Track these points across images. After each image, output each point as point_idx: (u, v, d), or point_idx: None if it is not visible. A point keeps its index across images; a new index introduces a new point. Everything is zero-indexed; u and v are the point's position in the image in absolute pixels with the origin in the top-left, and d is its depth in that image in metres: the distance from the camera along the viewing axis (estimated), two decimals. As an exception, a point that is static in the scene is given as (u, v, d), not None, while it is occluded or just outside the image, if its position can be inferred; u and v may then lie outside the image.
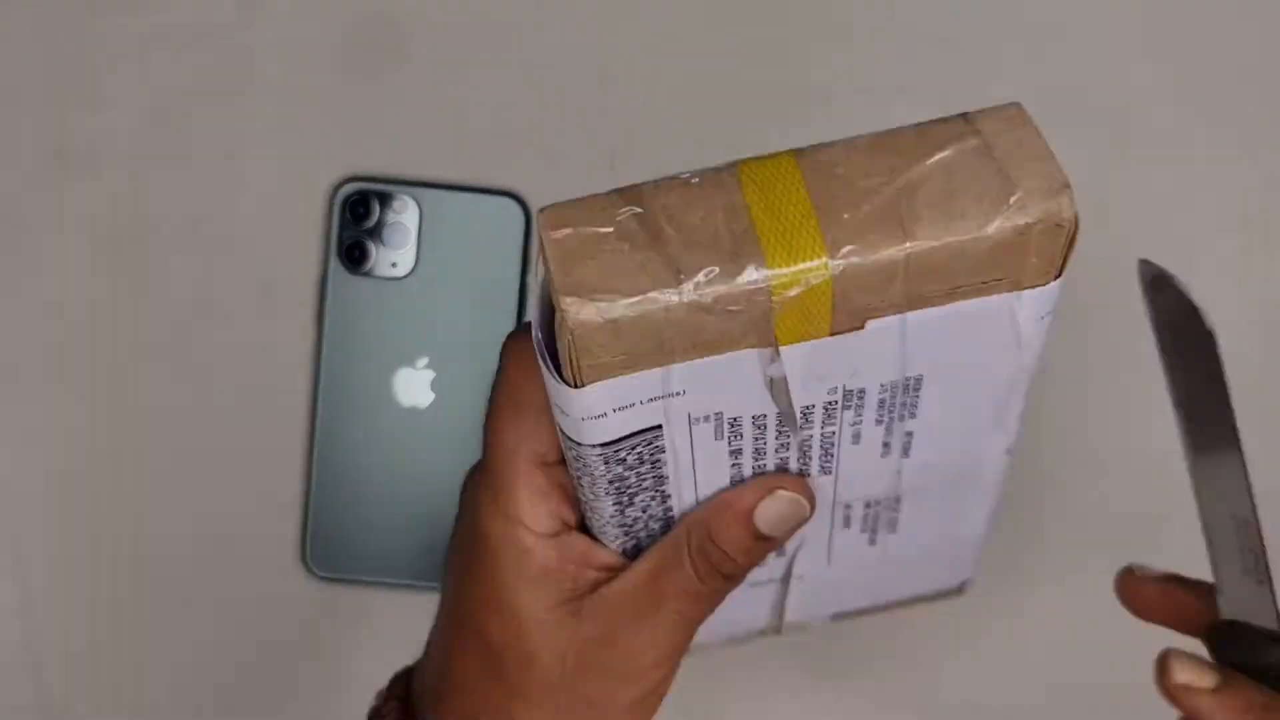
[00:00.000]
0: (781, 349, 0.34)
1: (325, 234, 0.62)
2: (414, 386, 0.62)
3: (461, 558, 0.42)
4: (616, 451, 0.37)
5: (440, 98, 0.63)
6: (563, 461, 0.39)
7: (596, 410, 0.35)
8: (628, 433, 0.36)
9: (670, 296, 0.32)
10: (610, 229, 0.33)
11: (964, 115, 0.35)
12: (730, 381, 0.35)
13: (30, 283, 0.64)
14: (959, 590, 0.49)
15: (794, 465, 0.39)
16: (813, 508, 0.40)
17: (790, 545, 0.43)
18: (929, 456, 0.40)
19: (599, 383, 0.34)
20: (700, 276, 0.33)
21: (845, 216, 0.33)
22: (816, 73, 0.62)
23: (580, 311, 0.32)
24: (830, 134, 0.61)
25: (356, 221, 0.62)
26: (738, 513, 0.40)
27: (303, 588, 0.63)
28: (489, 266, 0.62)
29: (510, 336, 0.41)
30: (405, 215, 0.62)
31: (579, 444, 0.37)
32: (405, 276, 0.62)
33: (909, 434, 0.39)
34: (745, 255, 0.33)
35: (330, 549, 0.63)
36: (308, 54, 0.63)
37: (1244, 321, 0.62)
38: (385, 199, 0.62)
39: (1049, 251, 0.34)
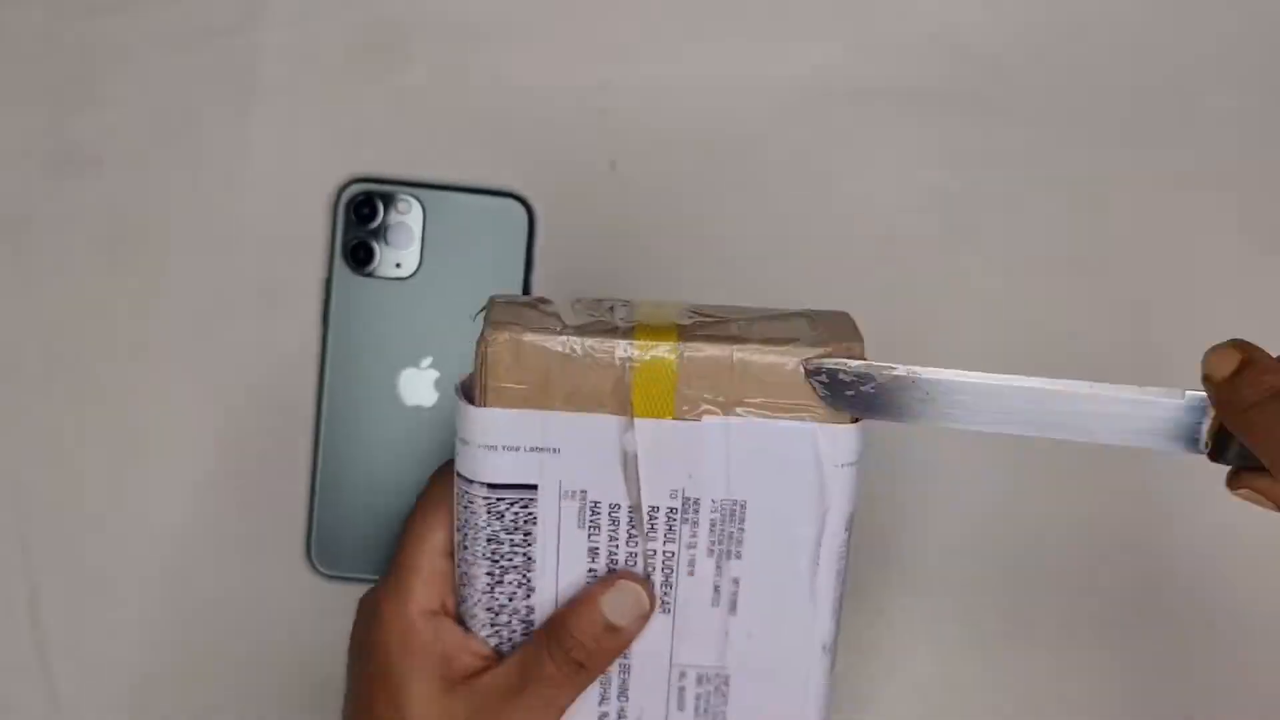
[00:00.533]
0: (635, 420, 0.44)
1: (330, 235, 0.63)
2: (418, 386, 0.63)
3: (358, 644, 0.48)
4: (499, 500, 0.46)
5: (444, 99, 0.63)
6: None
7: (490, 437, 0.45)
8: (511, 481, 0.45)
9: (558, 338, 0.44)
10: (531, 309, 0.45)
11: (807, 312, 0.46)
12: (595, 448, 0.44)
13: (36, 284, 0.64)
14: None
15: None
16: (653, 604, 0.46)
17: (631, 715, 0.48)
18: (754, 621, 0.47)
19: (497, 409, 0.44)
20: (582, 336, 0.44)
21: (699, 334, 0.44)
22: (817, 71, 0.63)
23: (496, 333, 0.44)
24: (825, 132, 0.61)
25: (361, 222, 0.62)
26: (586, 601, 0.46)
27: (308, 586, 0.63)
28: (492, 267, 0.62)
29: (436, 470, 0.48)
30: (409, 216, 0.62)
31: (470, 481, 0.46)
32: (409, 277, 0.62)
33: (736, 581, 0.46)
34: (620, 336, 0.44)
35: (335, 547, 0.63)
36: (312, 56, 0.63)
37: (1244, 323, 0.62)
38: (389, 200, 0.62)
39: None
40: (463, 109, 0.63)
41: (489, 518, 0.46)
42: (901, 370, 0.44)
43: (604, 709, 0.48)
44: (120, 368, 0.64)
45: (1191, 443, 0.42)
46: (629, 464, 0.45)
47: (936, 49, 0.62)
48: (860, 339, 0.44)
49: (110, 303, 0.64)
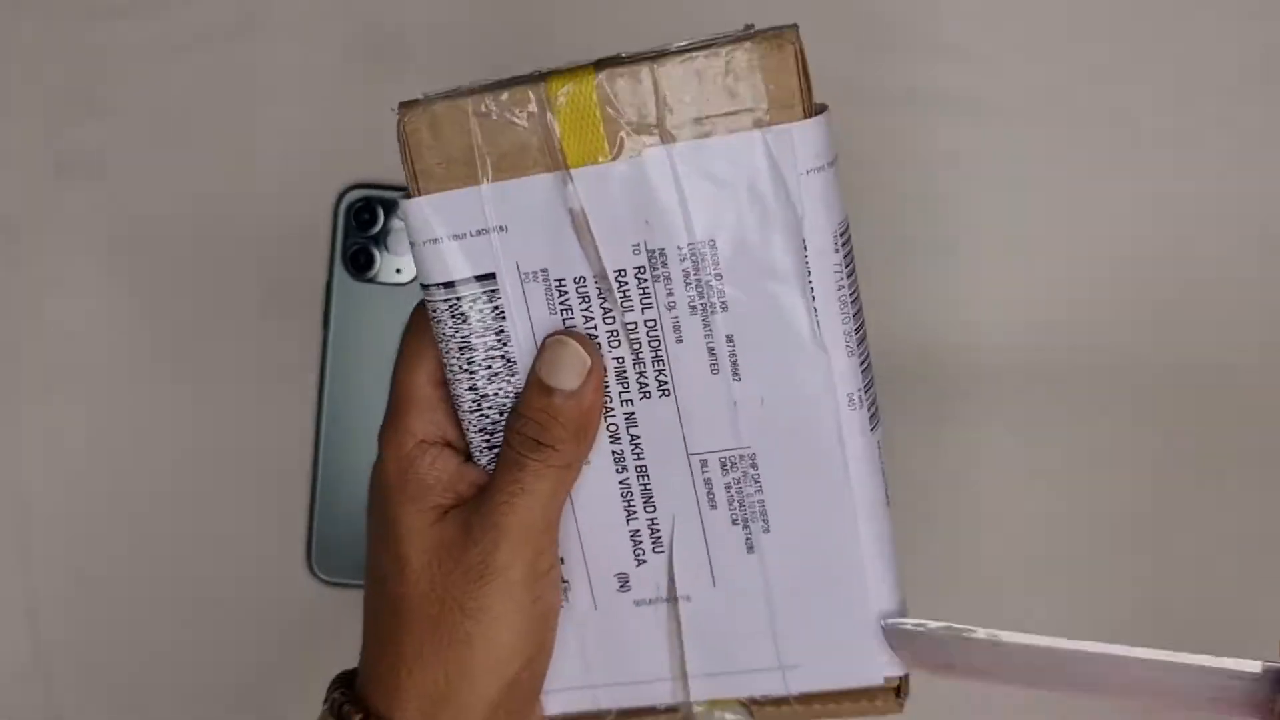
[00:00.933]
0: (572, 171, 0.41)
1: (330, 241, 0.63)
2: (418, 392, 0.63)
3: (370, 501, 0.45)
4: (460, 299, 0.42)
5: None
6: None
7: (433, 229, 0.42)
8: (466, 275, 0.42)
9: (469, 98, 0.41)
10: (444, 91, 0.42)
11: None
12: (541, 215, 0.41)
13: (38, 290, 0.64)
14: (891, 694, 0.46)
15: (631, 373, 0.43)
16: (591, 352, 0.42)
17: (664, 527, 0.44)
18: (762, 382, 0.42)
19: (431, 195, 0.41)
20: (495, 93, 0.41)
21: (616, 61, 0.41)
22: (826, 83, 0.63)
23: (408, 110, 0.41)
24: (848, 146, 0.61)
25: (361, 228, 0.63)
26: (530, 375, 0.43)
27: (308, 591, 0.63)
28: (492, 272, 0.63)
29: (419, 302, 0.45)
30: (409, 222, 0.62)
31: (428, 286, 0.43)
32: (409, 283, 0.62)
33: (730, 340, 0.42)
34: (532, 82, 0.41)
35: (335, 553, 0.63)
36: (311, 62, 0.63)
37: (1244, 323, 0.62)
38: (389, 206, 0.62)
39: (783, 77, 0.40)
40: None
41: (455, 322, 0.43)
42: (981, 634, 0.42)
43: (633, 526, 0.44)
44: (120, 372, 0.64)
45: (1267, 713, 0.41)
46: (580, 223, 0.41)
47: (938, 51, 0.62)
48: (794, 28, 0.40)
49: (111, 307, 0.64)
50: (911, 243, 0.62)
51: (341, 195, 0.63)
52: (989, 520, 0.63)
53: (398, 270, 0.62)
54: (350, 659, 0.64)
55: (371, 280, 0.62)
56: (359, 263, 0.62)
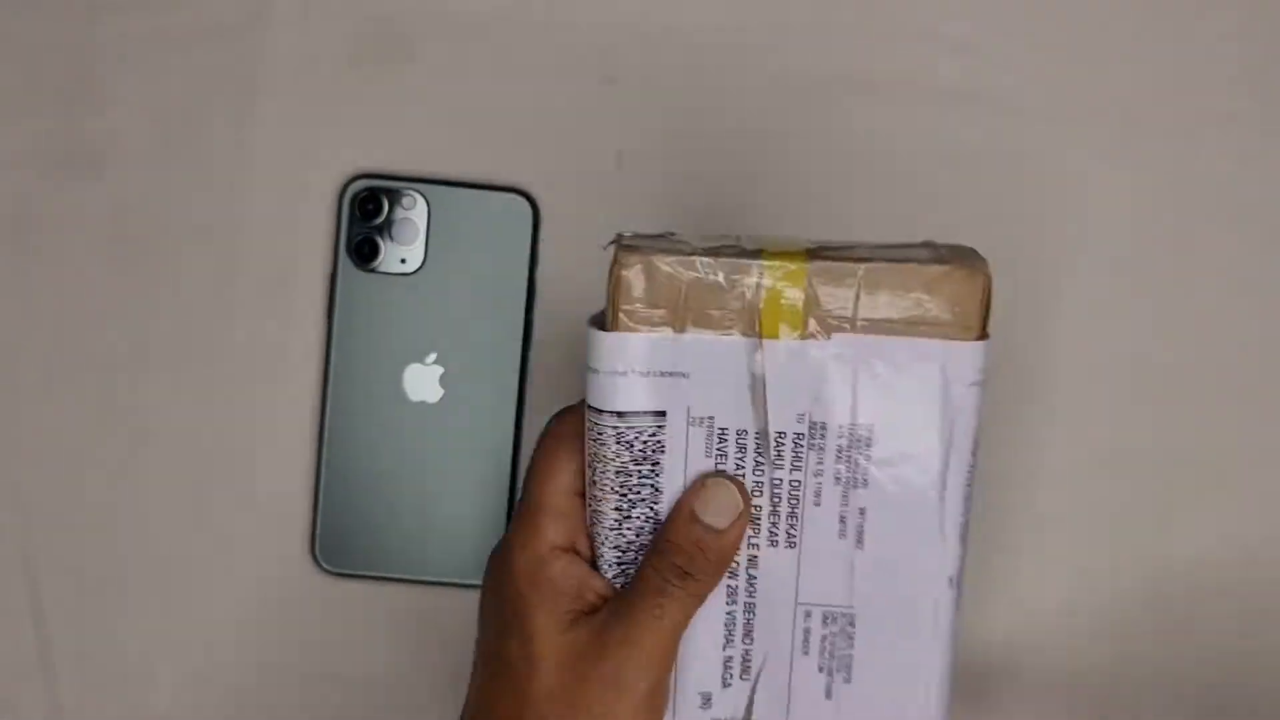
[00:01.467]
0: (764, 341, 0.45)
1: (335, 231, 0.63)
2: (423, 382, 0.63)
3: (489, 589, 0.48)
4: (629, 429, 0.46)
5: (448, 95, 0.63)
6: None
7: (621, 363, 0.45)
8: (641, 409, 0.45)
9: (689, 259, 0.45)
10: (659, 238, 0.46)
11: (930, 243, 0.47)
12: (723, 372, 0.45)
13: (39, 284, 0.64)
14: None
15: (765, 522, 0.46)
16: (745, 499, 0.46)
17: (756, 660, 0.47)
18: (881, 554, 0.46)
19: (628, 333, 0.45)
20: (714, 257, 0.45)
21: (826, 254, 0.45)
22: (820, 68, 0.63)
23: (628, 256, 0.45)
24: (830, 127, 0.61)
25: (366, 218, 0.63)
26: (679, 507, 0.46)
27: (312, 582, 0.63)
28: (497, 262, 0.63)
29: (557, 413, 0.48)
30: (414, 212, 0.62)
31: (600, 411, 0.45)
32: (414, 272, 0.63)
33: (862, 512, 0.46)
34: (750, 256, 0.45)
35: (339, 543, 0.63)
36: (316, 53, 0.64)
37: (1244, 322, 0.63)
38: (394, 196, 0.63)
39: (968, 302, 0.45)
40: (467, 104, 0.63)
41: (618, 448, 0.46)
42: None
43: (728, 653, 0.47)
44: (124, 365, 0.64)
45: None
46: (757, 387, 0.45)
47: (941, 44, 0.63)
48: (985, 262, 0.45)
49: (114, 301, 0.64)
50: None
51: (346, 185, 0.63)
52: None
53: (402, 260, 0.62)
54: (354, 653, 0.64)
55: (376, 270, 0.63)
56: (363, 253, 0.62)
